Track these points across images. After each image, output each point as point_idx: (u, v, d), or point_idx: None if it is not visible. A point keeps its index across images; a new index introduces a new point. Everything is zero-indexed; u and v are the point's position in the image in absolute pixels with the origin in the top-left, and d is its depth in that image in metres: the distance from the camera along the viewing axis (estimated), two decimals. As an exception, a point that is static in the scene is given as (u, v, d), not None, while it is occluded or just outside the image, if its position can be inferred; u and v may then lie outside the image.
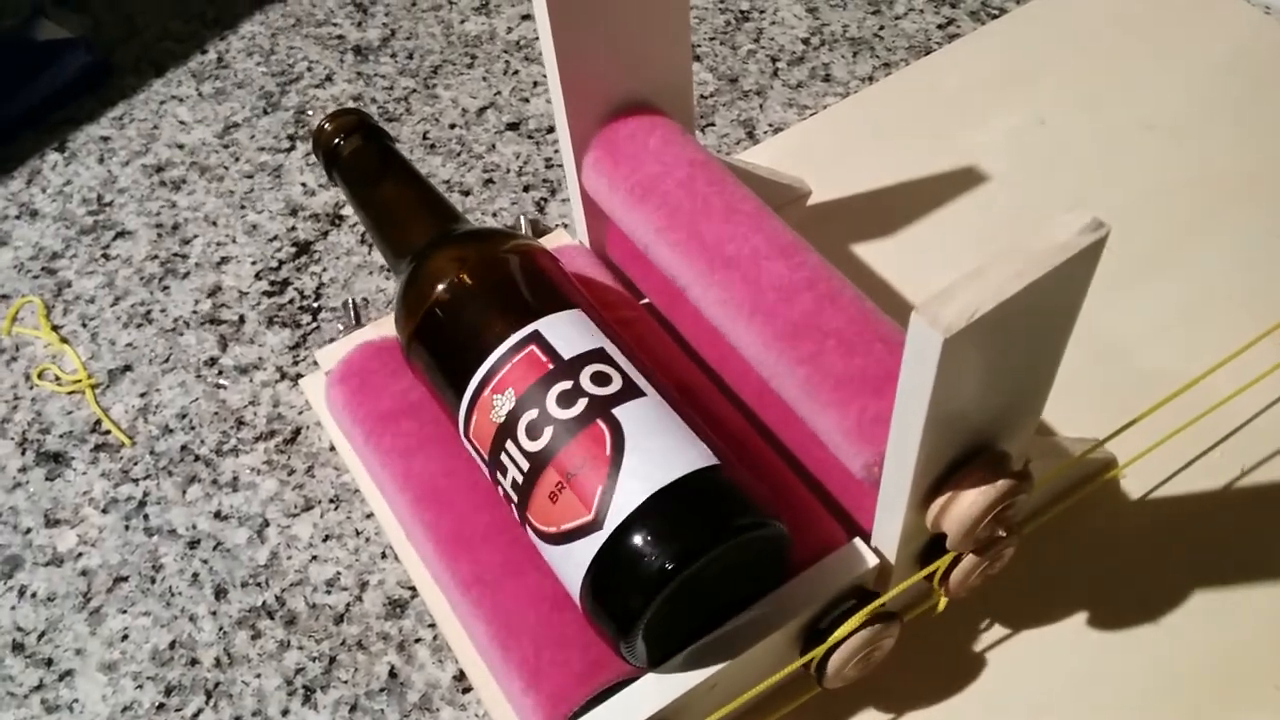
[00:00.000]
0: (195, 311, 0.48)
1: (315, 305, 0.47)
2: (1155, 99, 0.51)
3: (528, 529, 0.31)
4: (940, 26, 0.56)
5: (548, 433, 0.29)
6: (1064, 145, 0.49)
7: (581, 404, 0.30)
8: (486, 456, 0.31)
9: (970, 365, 0.24)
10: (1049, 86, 0.52)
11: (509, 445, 0.30)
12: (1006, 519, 0.30)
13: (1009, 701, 0.34)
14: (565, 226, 0.48)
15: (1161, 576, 0.37)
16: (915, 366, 0.24)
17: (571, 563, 0.29)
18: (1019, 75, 0.52)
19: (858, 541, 0.32)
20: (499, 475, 0.31)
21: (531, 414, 0.30)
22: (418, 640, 0.37)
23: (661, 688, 0.30)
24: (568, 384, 0.30)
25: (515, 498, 0.30)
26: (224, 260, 0.49)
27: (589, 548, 0.28)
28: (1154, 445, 0.36)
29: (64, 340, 0.47)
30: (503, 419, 0.30)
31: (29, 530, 0.41)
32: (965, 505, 0.28)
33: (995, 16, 0.56)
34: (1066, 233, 0.23)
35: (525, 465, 0.30)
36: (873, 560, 0.31)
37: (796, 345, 0.32)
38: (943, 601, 0.33)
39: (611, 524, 0.28)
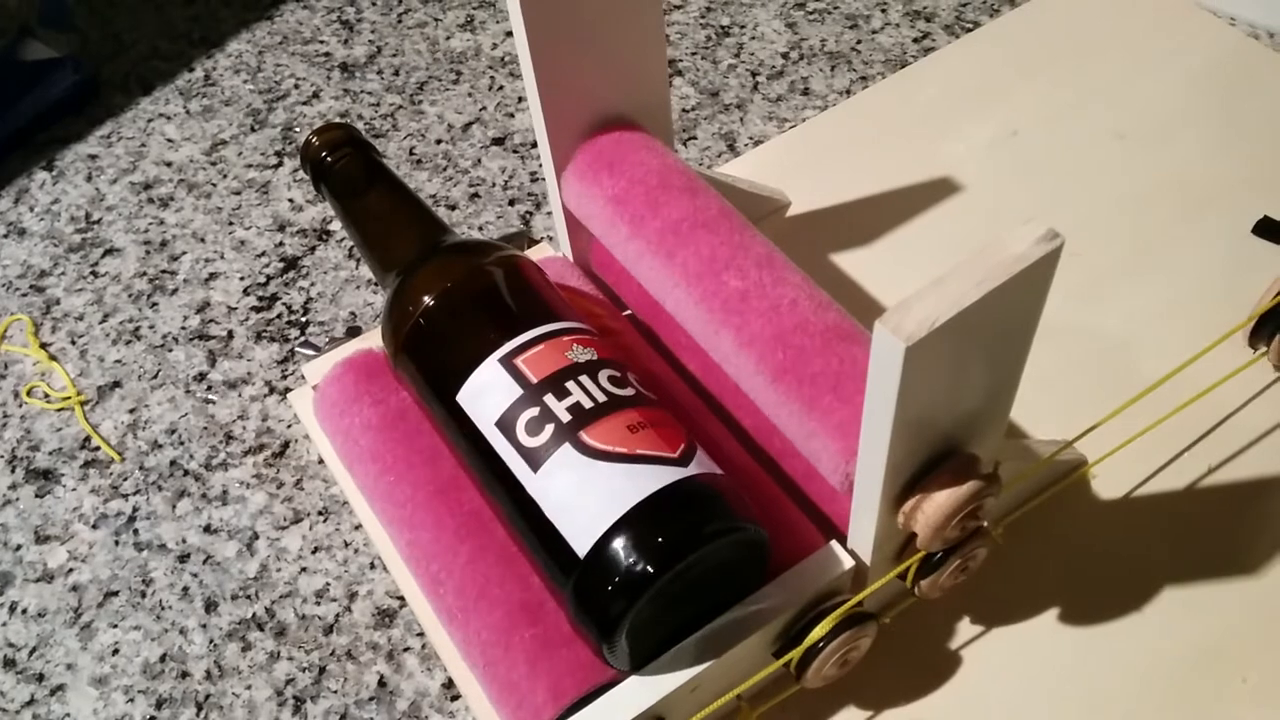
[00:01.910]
0: (184, 327, 0.48)
1: (303, 320, 0.48)
2: (1126, 109, 0.52)
3: (561, 446, 0.30)
4: (916, 40, 0.57)
5: (631, 390, 0.32)
6: (1037, 155, 0.50)
7: (657, 397, 0.33)
8: (541, 378, 0.32)
9: (933, 372, 0.25)
10: (1022, 98, 0.53)
11: (584, 379, 0.32)
12: (977, 519, 0.30)
13: (985, 698, 0.35)
14: (550, 239, 0.49)
15: (1132, 574, 0.37)
16: (880, 374, 0.25)
17: (626, 482, 0.29)
18: (993, 88, 0.53)
19: (834, 544, 0.33)
20: (549, 398, 0.31)
21: (615, 372, 0.32)
22: (406, 649, 0.38)
23: (644, 689, 0.30)
24: (641, 377, 0.34)
25: (568, 417, 0.31)
26: (212, 276, 0.50)
27: (661, 475, 0.30)
28: (1121, 445, 0.37)
29: (53, 358, 0.47)
30: (582, 361, 0.32)
31: (19, 547, 0.42)
32: (934, 506, 0.29)
33: (969, 30, 0.57)
34: (1023, 243, 0.24)
35: (603, 398, 0.31)
36: (849, 562, 0.32)
37: (772, 354, 0.33)
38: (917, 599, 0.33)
39: (693, 470, 0.30)
